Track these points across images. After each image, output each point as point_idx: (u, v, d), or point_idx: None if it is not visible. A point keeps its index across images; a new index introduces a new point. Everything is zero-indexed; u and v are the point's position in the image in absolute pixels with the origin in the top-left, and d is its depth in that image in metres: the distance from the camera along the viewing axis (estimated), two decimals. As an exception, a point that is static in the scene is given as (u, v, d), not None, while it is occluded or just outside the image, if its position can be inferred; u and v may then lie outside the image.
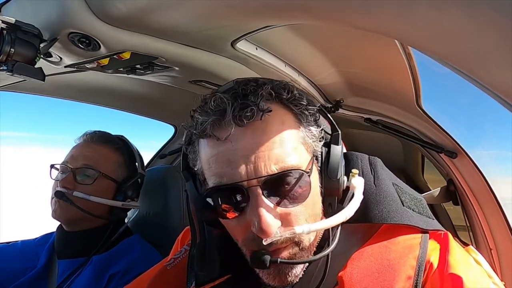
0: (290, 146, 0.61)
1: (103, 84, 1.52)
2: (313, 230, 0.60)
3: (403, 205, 0.68)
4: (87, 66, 1.05)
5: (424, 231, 0.66)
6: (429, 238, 0.65)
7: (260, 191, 0.59)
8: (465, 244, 0.73)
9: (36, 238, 1.44)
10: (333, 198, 0.66)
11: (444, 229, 0.68)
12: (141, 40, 0.87)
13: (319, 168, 0.67)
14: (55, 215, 1.23)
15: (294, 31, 0.95)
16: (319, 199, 0.65)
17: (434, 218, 0.70)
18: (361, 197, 0.65)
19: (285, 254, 0.61)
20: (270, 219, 0.58)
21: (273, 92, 0.63)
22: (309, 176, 0.61)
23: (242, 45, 0.93)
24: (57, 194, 1.19)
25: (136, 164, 1.40)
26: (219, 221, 0.66)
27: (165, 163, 2.05)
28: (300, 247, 0.62)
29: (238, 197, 0.60)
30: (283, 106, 0.64)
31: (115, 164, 1.32)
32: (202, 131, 0.62)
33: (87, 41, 0.87)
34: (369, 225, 0.68)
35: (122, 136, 1.45)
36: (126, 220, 1.44)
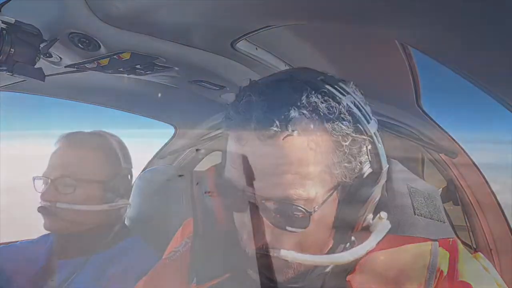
0: (307, 175, 0.56)
1: (103, 84, 1.51)
2: (298, 260, 0.58)
3: (415, 213, 0.67)
4: (87, 66, 1.05)
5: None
6: (439, 246, 0.64)
7: (258, 205, 0.58)
8: (466, 245, 0.74)
9: (35, 239, 1.44)
10: (347, 230, 0.63)
11: (453, 235, 0.67)
12: (141, 40, 0.87)
13: (340, 198, 0.62)
14: (46, 227, 1.22)
15: (294, 31, 0.95)
16: (326, 228, 0.62)
17: (445, 220, 0.69)
18: (369, 248, 0.60)
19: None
20: (259, 233, 0.58)
21: (316, 109, 0.55)
22: (310, 215, 0.57)
23: (242, 45, 0.93)
24: (40, 210, 1.18)
25: (120, 159, 1.35)
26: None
27: (165, 163, 2.05)
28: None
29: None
30: (321, 126, 0.56)
31: (95, 164, 1.28)
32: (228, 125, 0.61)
33: (87, 41, 0.87)
34: None
35: (100, 131, 1.39)
36: (126, 221, 1.44)
